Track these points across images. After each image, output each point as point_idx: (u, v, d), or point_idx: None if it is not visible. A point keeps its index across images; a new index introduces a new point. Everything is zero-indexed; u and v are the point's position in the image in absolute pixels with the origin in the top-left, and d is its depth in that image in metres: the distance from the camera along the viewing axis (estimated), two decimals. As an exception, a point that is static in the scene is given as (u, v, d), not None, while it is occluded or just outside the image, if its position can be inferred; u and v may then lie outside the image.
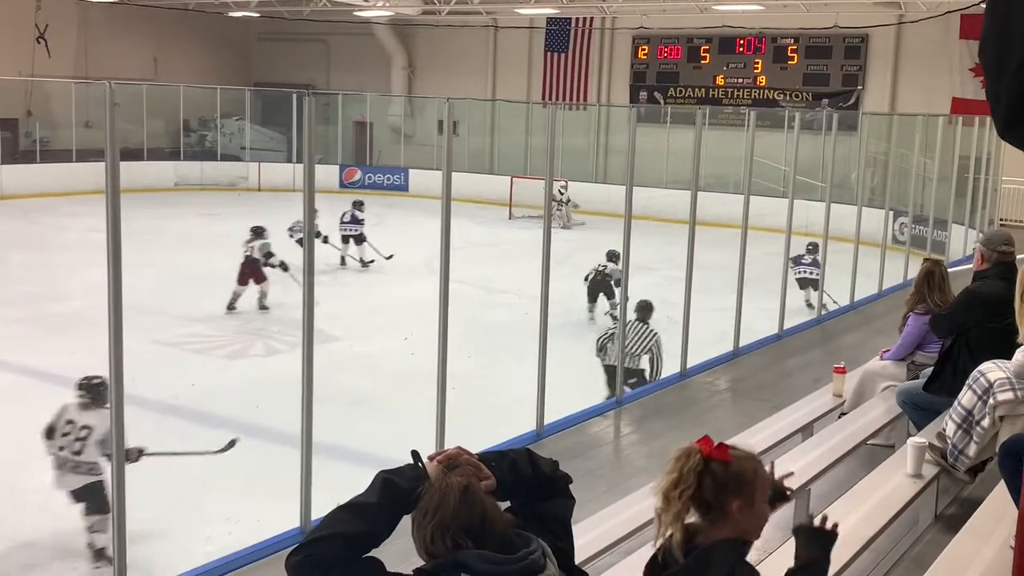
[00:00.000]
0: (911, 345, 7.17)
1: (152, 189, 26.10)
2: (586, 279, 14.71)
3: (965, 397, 5.16)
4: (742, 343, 10.92)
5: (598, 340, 10.33)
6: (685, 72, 28.40)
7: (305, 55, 33.64)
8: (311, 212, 5.96)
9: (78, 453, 6.85)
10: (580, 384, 9.51)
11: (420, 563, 2.28)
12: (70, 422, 6.98)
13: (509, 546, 2.24)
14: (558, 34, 29.91)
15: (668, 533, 2.63)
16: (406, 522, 2.32)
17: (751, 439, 6.54)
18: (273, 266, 14.18)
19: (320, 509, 5.89)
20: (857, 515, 5.03)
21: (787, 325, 11.92)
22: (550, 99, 29.80)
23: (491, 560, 2.20)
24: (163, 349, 11.80)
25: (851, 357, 8.96)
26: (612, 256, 14.34)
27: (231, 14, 31.06)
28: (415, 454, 2.35)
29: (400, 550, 2.37)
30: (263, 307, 14.53)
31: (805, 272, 15.43)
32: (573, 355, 10.93)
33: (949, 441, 5.25)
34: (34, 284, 15.68)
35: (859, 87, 25.99)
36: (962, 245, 18.73)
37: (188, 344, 12.30)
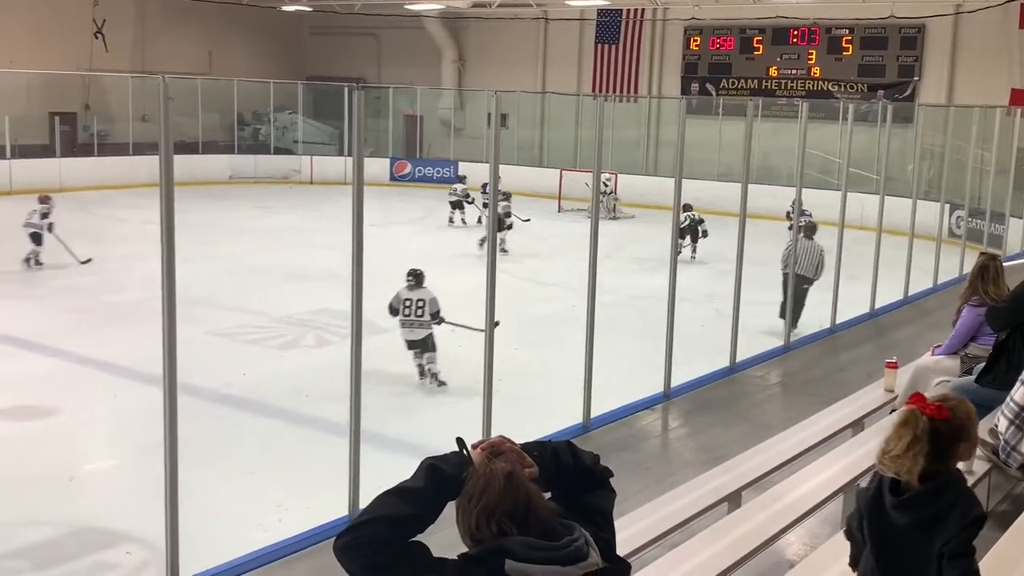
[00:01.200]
0: (965, 337, 7.06)
1: (207, 182, 26.47)
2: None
3: (1018, 393, 5.09)
4: (793, 337, 10.83)
5: (783, 256, 12.63)
6: (738, 63, 28.14)
7: (356, 49, 33.87)
8: (360, 204, 6.01)
9: (421, 315, 10.75)
10: (628, 377, 9.48)
11: (464, 551, 2.31)
12: (408, 300, 10.83)
13: (552, 534, 2.26)
14: (609, 26, 29.79)
15: (906, 477, 3.18)
16: (450, 511, 2.34)
17: (800, 434, 6.51)
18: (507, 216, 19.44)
19: (368, 497, 5.93)
20: (907, 511, 4.98)
21: (840, 319, 11.79)
22: (600, 91, 29.70)
23: (535, 547, 2.22)
24: (216, 340, 11.98)
25: (904, 351, 8.84)
26: (686, 207, 17.37)
27: (284, 8, 31.40)
28: (460, 441, 2.38)
29: (444, 541, 2.40)
30: (503, 251, 18.02)
31: (808, 219, 17.77)
32: (621, 348, 10.91)
33: (1001, 437, 5.17)
34: (91, 275, 15.98)
35: (915, 78, 25.58)
36: (1020, 239, 18.38)
37: (241, 335, 12.46)
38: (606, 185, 23.92)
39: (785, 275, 12.35)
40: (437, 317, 10.82)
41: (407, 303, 10.83)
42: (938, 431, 3.17)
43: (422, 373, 10.97)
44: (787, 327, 11.24)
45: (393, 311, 10.90)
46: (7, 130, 25.14)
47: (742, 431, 7.86)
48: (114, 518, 7.04)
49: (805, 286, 12.75)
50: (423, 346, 10.89)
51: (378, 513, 2.28)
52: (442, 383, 10.73)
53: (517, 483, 2.27)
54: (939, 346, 7.45)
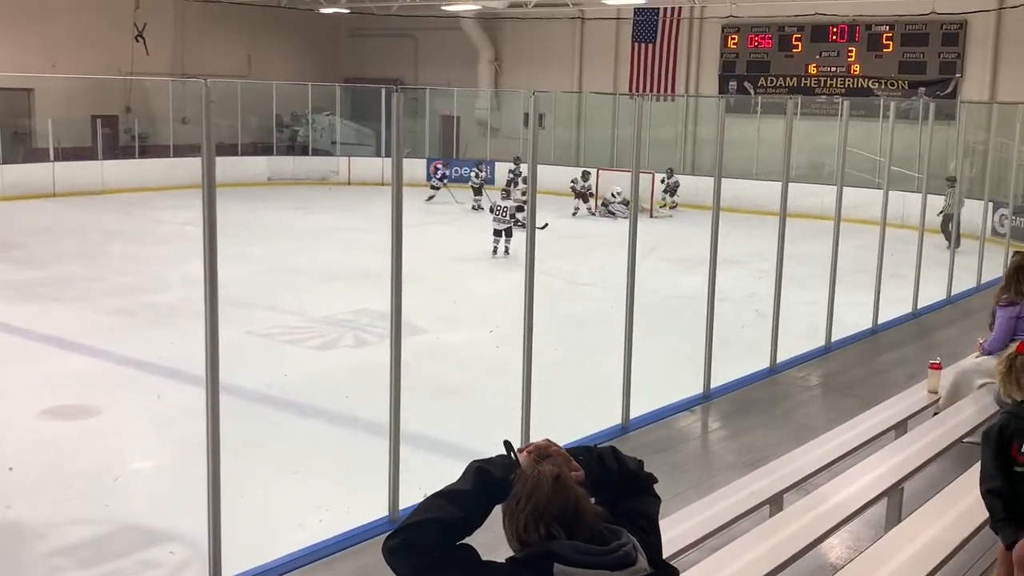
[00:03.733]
0: (1005, 338, 7.03)
1: (246, 184, 26.68)
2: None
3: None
4: (834, 337, 10.73)
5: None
6: (776, 61, 27.91)
7: (394, 50, 33.98)
8: (399, 205, 6.02)
9: (506, 216, 18.25)
10: (667, 378, 9.44)
11: (511, 555, 2.29)
12: (500, 206, 18.45)
13: (600, 538, 2.25)
14: (646, 24, 29.66)
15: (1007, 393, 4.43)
16: (494, 515, 2.33)
17: (843, 436, 6.44)
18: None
19: (407, 498, 5.97)
20: (952, 515, 4.92)
21: (882, 319, 11.66)
22: (638, 90, 29.57)
23: (584, 551, 2.20)
24: (256, 340, 12.07)
25: (948, 352, 8.74)
26: (670, 172, 26.11)
27: (322, 11, 31.54)
28: (507, 444, 2.37)
29: (486, 542, 2.39)
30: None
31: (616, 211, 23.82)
32: (660, 349, 10.87)
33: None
34: (132, 275, 16.17)
35: (957, 75, 25.22)
36: (1066, 237, 18.07)
37: (280, 335, 12.53)
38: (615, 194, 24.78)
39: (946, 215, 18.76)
40: (515, 217, 18.06)
41: (499, 207, 18.62)
42: (1014, 363, 4.32)
43: (495, 252, 18.35)
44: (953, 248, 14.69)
45: (491, 210, 19.18)
46: (50, 133, 25.51)
47: (783, 433, 7.80)
48: (157, 517, 7.11)
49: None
50: (506, 233, 18.30)
51: (427, 515, 2.28)
52: (508, 252, 18.14)
53: (565, 486, 2.26)
54: (984, 342, 7.39)
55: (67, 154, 26.20)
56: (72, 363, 11.14)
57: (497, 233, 18.45)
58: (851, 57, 26.74)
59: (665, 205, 25.83)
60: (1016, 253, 7.53)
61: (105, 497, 7.52)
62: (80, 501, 7.49)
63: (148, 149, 28.57)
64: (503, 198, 18.77)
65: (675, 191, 25.89)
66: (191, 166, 20.33)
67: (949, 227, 18.59)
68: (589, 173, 25.83)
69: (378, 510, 6.12)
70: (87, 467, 8.15)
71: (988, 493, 4.26)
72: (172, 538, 6.76)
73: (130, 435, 9.08)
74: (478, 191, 25.93)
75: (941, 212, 19.18)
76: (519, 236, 16.51)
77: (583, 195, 25.38)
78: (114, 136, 28.46)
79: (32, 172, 25.14)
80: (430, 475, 6.43)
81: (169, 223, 20.84)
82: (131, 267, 17.08)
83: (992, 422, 4.15)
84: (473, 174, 26.60)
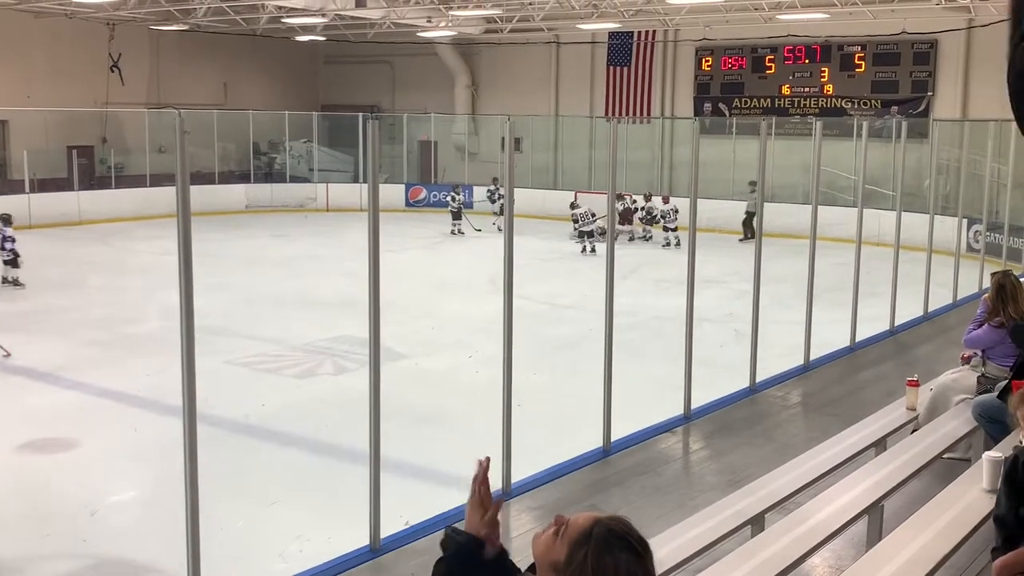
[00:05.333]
0: (980, 343, 7.10)
1: (224, 212, 26.63)
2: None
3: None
4: (813, 356, 10.77)
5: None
6: (750, 82, 28.15)
7: (370, 77, 34.07)
8: (376, 230, 6.02)
9: (585, 219, 22.53)
10: (648, 399, 9.44)
11: None
12: (579, 212, 22.57)
13: None
14: (620, 48, 29.87)
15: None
16: None
17: (823, 454, 6.46)
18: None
19: (388, 527, 5.93)
20: (932, 531, 4.93)
21: (860, 337, 11.72)
22: (613, 113, 29.73)
23: None
24: (235, 369, 12.01)
25: (925, 369, 8.80)
26: (647, 196, 25.43)
27: (298, 39, 31.60)
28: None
29: None
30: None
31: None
32: (640, 370, 10.88)
33: (1028, 454, 5.14)
34: (110, 306, 16.07)
35: (929, 93, 25.51)
36: (1040, 252, 18.25)
37: (259, 364, 12.48)
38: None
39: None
40: (595, 218, 21.84)
41: (579, 213, 22.36)
42: None
43: (584, 250, 21.56)
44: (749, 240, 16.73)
45: (574, 220, 22.65)
46: (26, 164, 25.39)
47: (764, 452, 7.81)
48: (136, 550, 7.04)
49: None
50: (589, 234, 21.79)
51: None
52: (594, 250, 20.77)
53: None
54: (968, 355, 7.41)
55: (43, 185, 26.09)
56: (50, 395, 11.05)
57: (582, 235, 22.00)
58: (824, 77, 27.00)
59: (651, 230, 24.39)
60: (993, 273, 7.58)
61: (83, 531, 7.44)
62: (58, 535, 7.41)
63: (124, 179, 28.46)
64: (578, 206, 22.43)
65: (674, 216, 23.37)
66: (168, 195, 20.27)
67: (752, 223, 21.97)
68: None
69: (359, 539, 6.08)
70: (65, 501, 8.07)
71: (994, 519, 4.22)
72: (152, 571, 6.69)
73: (108, 468, 9.00)
74: (456, 215, 25.86)
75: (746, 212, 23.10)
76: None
77: (626, 218, 24.13)
78: (90, 167, 28.37)
79: (8, 204, 24.81)
80: (411, 503, 6.42)
81: (147, 253, 20.73)
82: (109, 298, 16.99)
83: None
84: (450, 198, 26.54)
